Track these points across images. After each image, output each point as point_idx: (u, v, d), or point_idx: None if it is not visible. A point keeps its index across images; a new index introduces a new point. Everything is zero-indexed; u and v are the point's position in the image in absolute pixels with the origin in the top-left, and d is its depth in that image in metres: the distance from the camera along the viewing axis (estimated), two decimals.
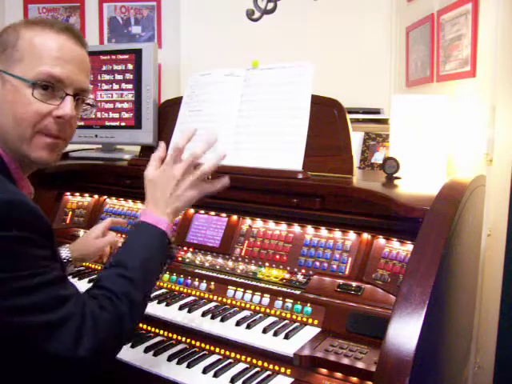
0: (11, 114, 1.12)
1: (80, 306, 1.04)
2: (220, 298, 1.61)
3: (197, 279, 1.69)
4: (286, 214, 1.68)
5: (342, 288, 1.47)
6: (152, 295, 1.64)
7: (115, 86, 2.28)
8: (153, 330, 1.54)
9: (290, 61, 1.87)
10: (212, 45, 3.29)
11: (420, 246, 1.20)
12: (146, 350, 1.41)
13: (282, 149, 1.78)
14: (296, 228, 1.67)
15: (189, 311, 1.53)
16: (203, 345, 1.44)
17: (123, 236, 1.97)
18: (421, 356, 1.06)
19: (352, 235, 1.57)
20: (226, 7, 3.23)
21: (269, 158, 1.79)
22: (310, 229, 1.64)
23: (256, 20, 2.70)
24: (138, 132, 2.22)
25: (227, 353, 1.40)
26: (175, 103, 2.14)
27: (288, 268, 1.62)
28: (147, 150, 2.22)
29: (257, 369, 1.34)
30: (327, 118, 1.77)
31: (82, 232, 2.06)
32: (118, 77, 2.27)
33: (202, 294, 1.65)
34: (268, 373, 1.32)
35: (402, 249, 1.46)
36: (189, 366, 1.34)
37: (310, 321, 1.45)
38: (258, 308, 1.54)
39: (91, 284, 1.72)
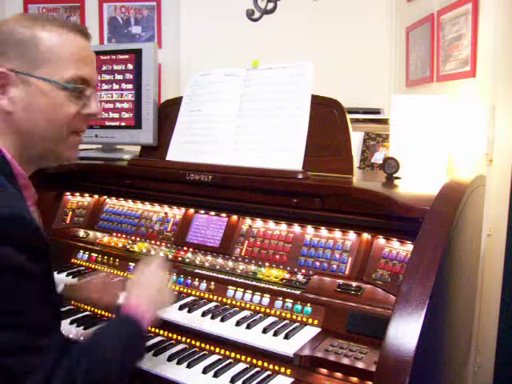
0: (44, 116, 1.13)
1: (49, 365, 0.97)
2: (220, 298, 1.61)
3: (197, 279, 1.69)
4: (286, 214, 1.68)
5: (342, 288, 1.47)
6: None
7: (115, 86, 2.28)
8: (153, 330, 1.54)
9: (290, 61, 1.87)
10: (212, 45, 3.29)
11: (420, 245, 1.20)
12: (146, 350, 1.41)
13: (282, 149, 1.78)
14: (296, 228, 1.67)
15: (189, 311, 1.53)
16: (203, 345, 1.44)
17: (124, 236, 1.98)
18: (421, 356, 1.06)
19: (352, 235, 1.57)
20: (226, 7, 3.23)
21: (269, 157, 1.79)
22: (309, 229, 1.64)
23: (256, 20, 2.70)
24: (138, 132, 2.22)
25: (227, 353, 1.40)
26: (175, 103, 2.14)
27: (288, 268, 1.62)
28: (147, 150, 2.22)
29: (257, 369, 1.34)
30: (327, 117, 1.77)
31: (82, 232, 2.06)
32: (118, 77, 2.27)
33: (201, 294, 1.65)
34: (268, 373, 1.32)
35: (401, 249, 1.46)
36: (189, 366, 1.34)
37: (310, 321, 1.45)
38: (258, 308, 1.54)
39: None
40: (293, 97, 1.82)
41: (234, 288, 1.61)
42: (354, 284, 1.47)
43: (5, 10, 3.49)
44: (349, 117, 1.76)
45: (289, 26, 3.11)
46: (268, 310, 1.52)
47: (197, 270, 1.72)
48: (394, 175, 1.75)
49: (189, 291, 1.67)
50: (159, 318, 1.52)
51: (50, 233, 2.11)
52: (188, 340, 1.47)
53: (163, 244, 1.88)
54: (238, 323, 1.44)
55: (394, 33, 3.10)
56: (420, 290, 1.11)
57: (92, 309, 1.69)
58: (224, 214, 1.81)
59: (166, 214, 1.94)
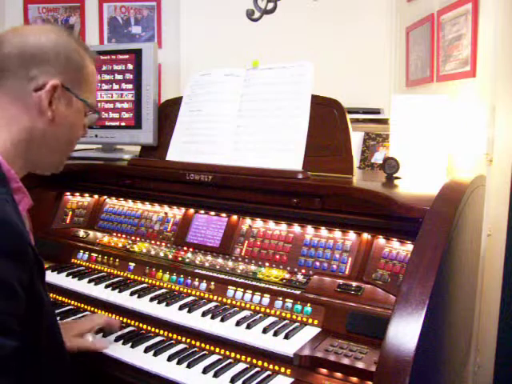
0: (68, 133, 1.21)
1: None
2: (220, 298, 1.61)
3: (197, 279, 1.69)
4: (286, 214, 1.68)
5: (342, 288, 1.47)
6: (152, 295, 1.64)
7: (115, 86, 2.28)
8: (153, 329, 1.54)
9: (290, 61, 1.87)
10: (212, 45, 3.29)
11: (420, 245, 1.20)
12: (146, 350, 1.41)
13: (282, 149, 1.78)
14: (296, 228, 1.67)
15: (189, 311, 1.53)
16: (203, 345, 1.44)
17: (124, 236, 1.98)
18: (421, 356, 1.06)
19: (352, 235, 1.57)
20: (226, 7, 3.23)
21: (269, 157, 1.79)
22: (309, 229, 1.64)
23: (256, 20, 2.70)
24: (138, 132, 2.22)
25: (227, 353, 1.40)
26: (175, 103, 2.14)
27: (288, 268, 1.62)
28: (147, 150, 2.22)
29: (257, 369, 1.34)
30: (327, 117, 1.77)
31: (82, 232, 2.06)
32: (118, 77, 2.27)
33: (202, 294, 1.65)
34: (268, 373, 1.32)
35: (401, 249, 1.46)
36: (189, 366, 1.34)
37: (310, 321, 1.45)
38: (258, 308, 1.54)
39: (91, 284, 1.74)
40: (293, 97, 1.82)
41: (234, 288, 1.61)
42: (354, 284, 1.47)
43: (5, 10, 3.49)
44: (349, 117, 1.77)
45: (289, 26, 3.11)
46: (268, 310, 1.52)
47: (197, 270, 1.72)
48: (394, 175, 1.75)
49: (189, 291, 1.67)
50: (159, 318, 1.52)
51: (50, 233, 2.11)
52: (188, 340, 1.47)
53: (163, 244, 1.88)
54: (238, 323, 1.44)
55: (394, 33, 3.10)
56: (420, 290, 1.11)
57: (92, 308, 1.69)
58: (224, 214, 1.81)
59: (166, 214, 1.94)
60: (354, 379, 1.23)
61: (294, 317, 1.47)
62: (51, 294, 1.77)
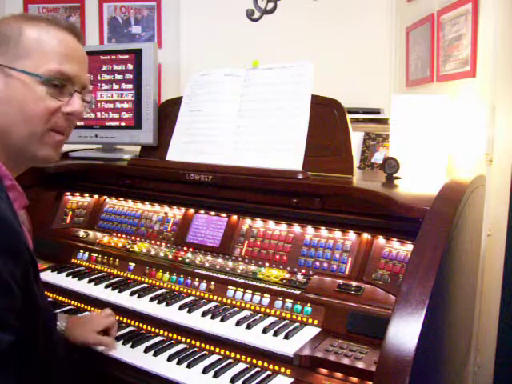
0: (20, 110, 1.09)
1: None
2: (220, 298, 1.61)
3: (197, 279, 1.69)
4: (286, 214, 1.68)
5: (342, 288, 1.47)
6: (152, 295, 1.64)
7: (115, 86, 2.28)
8: (153, 329, 1.54)
9: (290, 61, 1.87)
10: (212, 45, 3.29)
11: (420, 245, 1.20)
12: (146, 350, 1.41)
13: (282, 149, 1.78)
14: (296, 228, 1.67)
15: (189, 311, 1.53)
16: (203, 345, 1.44)
17: (124, 236, 1.98)
18: (421, 356, 1.06)
19: (352, 235, 1.57)
20: (226, 7, 3.23)
21: (269, 158, 1.79)
22: (309, 229, 1.64)
23: (256, 20, 2.70)
24: (138, 132, 2.22)
25: (227, 353, 1.40)
26: (175, 103, 2.14)
27: (288, 268, 1.62)
28: (147, 150, 2.22)
29: (257, 369, 1.34)
30: (327, 117, 1.77)
31: (82, 232, 2.06)
32: (118, 77, 2.27)
33: (201, 294, 1.65)
34: (268, 373, 1.32)
35: (401, 249, 1.46)
36: (189, 366, 1.34)
37: (310, 321, 1.45)
38: (258, 308, 1.54)
39: (91, 284, 1.74)
40: (293, 97, 1.82)
41: (234, 288, 1.61)
42: (354, 284, 1.47)
43: (5, 10, 3.49)
44: (349, 117, 1.76)
45: (289, 26, 3.11)
46: (268, 310, 1.52)
47: (197, 270, 1.72)
48: (394, 175, 1.75)
49: (189, 291, 1.67)
50: (159, 318, 1.52)
51: (50, 233, 2.11)
52: (188, 340, 1.47)
53: (163, 244, 1.88)
54: (238, 323, 1.44)
55: (394, 33, 3.10)
56: (420, 289, 1.11)
57: (92, 308, 1.69)
58: (224, 214, 1.81)
59: (166, 214, 1.94)
60: (354, 379, 1.23)
61: (294, 317, 1.47)
62: (51, 294, 1.77)
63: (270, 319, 1.49)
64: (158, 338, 1.50)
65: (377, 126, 2.54)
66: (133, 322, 1.58)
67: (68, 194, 2.21)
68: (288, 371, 1.31)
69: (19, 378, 1.00)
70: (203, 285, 1.66)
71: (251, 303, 1.56)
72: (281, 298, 1.52)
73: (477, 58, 2.01)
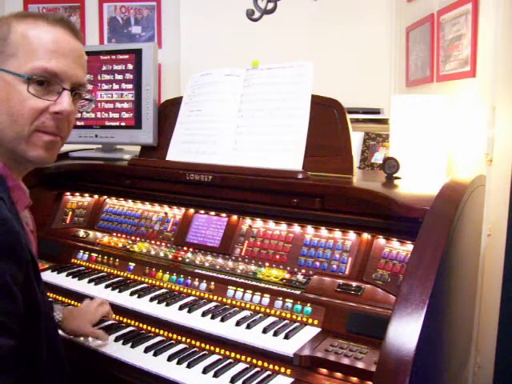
0: (6, 111, 1.07)
1: None
2: (220, 298, 1.61)
3: (197, 279, 1.69)
4: (286, 214, 1.68)
5: (342, 288, 1.47)
6: (152, 295, 1.64)
7: (115, 86, 2.28)
8: (153, 329, 1.54)
9: (290, 61, 1.87)
10: (212, 45, 3.29)
11: (420, 246, 1.20)
12: (146, 350, 1.41)
13: (282, 149, 1.78)
14: (296, 228, 1.67)
15: (189, 311, 1.53)
16: (203, 345, 1.44)
17: (124, 236, 1.98)
18: (421, 356, 1.06)
19: (352, 235, 1.57)
20: (226, 7, 3.23)
21: (269, 158, 1.79)
22: (309, 229, 1.64)
23: (256, 20, 2.70)
24: (138, 132, 2.22)
25: (227, 353, 1.40)
26: (175, 103, 2.14)
27: (288, 268, 1.62)
28: (147, 150, 2.22)
29: (257, 369, 1.34)
30: (327, 118, 1.77)
31: (82, 232, 2.06)
32: (118, 77, 2.27)
33: (202, 294, 1.65)
34: (268, 373, 1.32)
35: (401, 249, 1.46)
36: (189, 366, 1.34)
37: (310, 321, 1.45)
38: (258, 308, 1.54)
39: (91, 284, 1.74)
40: (293, 97, 1.81)
41: (234, 288, 1.61)
42: (354, 284, 1.47)
43: (5, 10, 3.49)
44: (349, 117, 1.76)
45: (289, 26, 3.11)
46: (268, 310, 1.52)
47: (197, 270, 1.72)
48: (394, 175, 1.75)
49: (189, 291, 1.67)
50: (159, 318, 1.52)
51: (50, 233, 2.11)
52: (188, 340, 1.47)
53: (163, 244, 1.88)
54: (238, 323, 1.44)
55: (394, 33, 3.10)
56: (420, 289, 1.11)
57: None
58: (224, 214, 1.81)
59: (166, 214, 1.94)
60: (354, 379, 1.23)
61: (294, 317, 1.47)
62: (51, 294, 1.77)
63: (270, 319, 1.49)
64: (157, 338, 1.50)
65: (377, 126, 2.54)
66: (133, 322, 1.58)
67: (68, 194, 2.21)
68: (288, 371, 1.31)
69: (20, 381, 1.00)
70: (203, 285, 1.66)
71: (251, 303, 1.56)
72: (281, 298, 1.52)
73: (477, 58, 2.01)
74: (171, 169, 1.91)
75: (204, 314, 1.51)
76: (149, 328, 1.55)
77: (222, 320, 1.47)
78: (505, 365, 1.79)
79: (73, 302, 1.75)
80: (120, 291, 1.69)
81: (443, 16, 2.30)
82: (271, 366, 1.33)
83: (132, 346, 1.44)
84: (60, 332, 1.39)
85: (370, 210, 1.52)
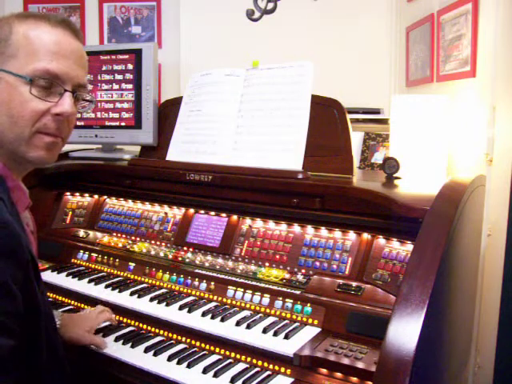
0: (7, 113, 1.07)
1: None
2: (220, 298, 1.61)
3: (197, 279, 1.69)
4: (286, 214, 1.68)
5: (342, 288, 1.47)
6: (152, 295, 1.64)
7: (115, 86, 2.28)
8: (153, 329, 1.54)
9: (290, 61, 1.87)
10: (212, 45, 3.29)
11: (420, 245, 1.20)
12: (146, 350, 1.41)
13: (282, 149, 1.78)
14: (296, 228, 1.67)
15: (189, 311, 1.53)
16: (203, 345, 1.44)
17: (124, 236, 1.98)
18: (421, 356, 1.06)
19: (352, 235, 1.57)
20: (226, 7, 3.23)
21: (269, 158, 1.79)
22: (309, 229, 1.64)
23: (256, 20, 2.71)
24: (138, 132, 2.22)
25: (227, 353, 1.40)
26: (175, 103, 2.14)
27: (288, 268, 1.62)
28: (147, 150, 2.22)
29: (257, 369, 1.34)
30: (327, 118, 1.77)
31: (82, 232, 2.06)
32: (118, 77, 2.27)
33: (202, 294, 1.65)
34: (268, 373, 1.32)
35: (401, 249, 1.46)
36: (189, 366, 1.34)
37: (310, 321, 1.45)
38: (258, 308, 1.54)
39: (91, 284, 1.74)
40: (293, 97, 1.82)
41: (234, 288, 1.61)
42: (354, 284, 1.47)
43: (5, 10, 3.49)
44: (349, 117, 1.76)
45: (289, 26, 3.11)
46: (268, 310, 1.52)
47: (197, 270, 1.72)
48: (394, 175, 1.75)
49: (189, 291, 1.67)
50: (159, 318, 1.52)
51: (50, 233, 2.11)
52: (188, 340, 1.47)
53: (163, 244, 1.88)
54: (238, 323, 1.44)
55: (394, 33, 3.10)
56: (420, 289, 1.11)
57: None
58: (224, 214, 1.81)
59: (166, 214, 1.94)
60: (354, 379, 1.23)
61: (294, 317, 1.47)
62: (51, 294, 1.77)
63: (270, 319, 1.49)
64: (157, 338, 1.50)
65: (377, 126, 2.54)
66: (133, 322, 1.58)
67: (68, 194, 2.21)
68: (288, 371, 1.31)
69: (20, 381, 1.00)
70: (203, 285, 1.66)
71: (251, 303, 1.56)
72: (281, 298, 1.52)
73: (477, 58, 2.01)
74: (171, 169, 1.91)
75: (204, 314, 1.51)
76: (149, 328, 1.55)
77: (222, 320, 1.47)
78: (505, 365, 1.79)
79: (73, 302, 1.75)
80: (120, 291, 1.69)
81: (443, 16, 2.30)
82: (271, 366, 1.33)
83: (132, 346, 1.44)
84: None
85: (370, 210, 1.52)
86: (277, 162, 1.76)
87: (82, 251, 1.97)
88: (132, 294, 1.67)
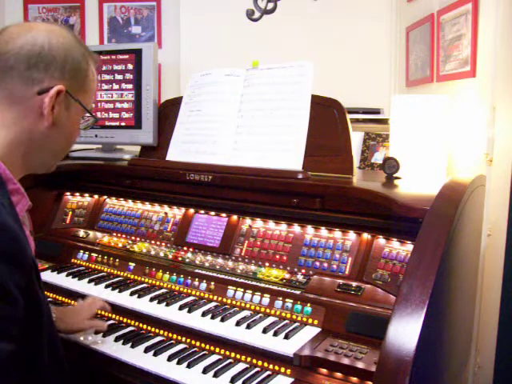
0: (67, 134, 1.20)
1: None
2: (220, 298, 1.61)
3: (197, 279, 1.69)
4: (286, 214, 1.68)
5: (342, 288, 1.47)
6: (152, 295, 1.64)
7: (115, 86, 2.28)
8: (153, 329, 1.54)
9: (290, 61, 1.87)
10: (212, 45, 3.29)
11: (420, 245, 1.20)
12: (146, 350, 1.41)
13: (282, 149, 1.78)
14: (296, 228, 1.67)
15: (189, 311, 1.53)
16: (203, 345, 1.44)
17: (124, 236, 1.98)
18: (421, 356, 1.06)
19: (352, 235, 1.57)
20: (226, 7, 3.23)
21: (269, 158, 1.79)
22: (309, 229, 1.64)
23: (256, 20, 2.70)
24: (138, 132, 2.22)
25: (227, 353, 1.40)
26: (175, 103, 2.14)
27: (288, 268, 1.62)
28: (147, 150, 2.22)
29: (257, 369, 1.34)
30: (327, 118, 1.77)
31: (82, 232, 2.06)
32: (118, 77, 2.27)
33: (202, 294, 1.65)
34: (268, 373, 1.32)
35: (401, 249, 1.46)
36: (189, 366, 1.34)
37: (310, 321, 1.45)
38: (258, 308, 1.54)
39: (91, 284, 1.74)
40: (293, 97, 1.82)
41: (234, 288, 1.61)
42: (354, 284, 1.47)
43: (5, 10, 3.49)
44: (349, 117, 1.76)
45: (289, 26, 3.11)
46: (268, 310, 1.52)
47: (197, 270, 1.72)
48: (394, 175, 1.75)
49: (189, 291, 1.67)
50: (159, 318, 1.52)
51: (50, 233, 2.11)
52: (188, 340, 1.47)
53: (163, 244, 1.88)
54: (238, 323, 1.44)
55: (394, 33, 3.10)
56: (420, 289, 1.11)
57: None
58: (224, 214, 1.81)
59: (166, 214, 1.94)
60: (354, 379, 1.23)
61: (294, 317, 1.47)
62: (51, 294, 1.77)
63: (270, 319, 1.49)
64: (157, 338, 1.50)
65: (377, 126, 2.54)
66: (133, 322, 1.58)
67: (68, 194, 2.21)
68: (288, 371, 1.31)
69: (21, 382, 1.00)
70: (203, 285, 1.66)
71: (251, 303, 1.56)
72: (281, 298, 1.52)
73: (477, 57, 2.01)
74: (171, 169, 1.91)
75: (204, 314, 1.51)
76: (149, 328, 1.55)
77: (222, 320, 1.47)
78: (505, 365, 1.79)
79: (73, 303, 1.74)
80: (120, 291, 1.69)
81: (443, 16, 2.30)
82: (271, 366, 1.33)
83: (132, 346, 1.44)
84: None
85: (370, 210, 1.52)
86: (277, 162, 1.76)
87: (81, 251, 1.97)
88: (132, 293, 1.67)
